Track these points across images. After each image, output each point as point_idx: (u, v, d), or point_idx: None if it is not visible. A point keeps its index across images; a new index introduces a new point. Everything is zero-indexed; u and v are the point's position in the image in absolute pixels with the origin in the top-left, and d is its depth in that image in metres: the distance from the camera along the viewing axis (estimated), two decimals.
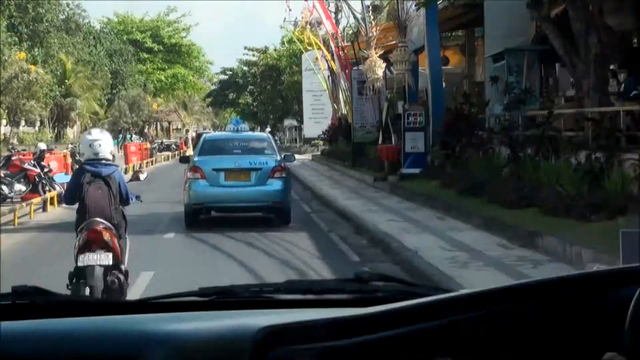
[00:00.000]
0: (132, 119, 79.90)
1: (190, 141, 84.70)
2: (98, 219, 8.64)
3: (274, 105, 72.54)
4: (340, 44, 36.18)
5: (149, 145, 54.54)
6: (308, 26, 38.47)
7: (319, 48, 42.75)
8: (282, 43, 67.69)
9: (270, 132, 61.93)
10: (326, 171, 35.37)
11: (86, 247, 8.56)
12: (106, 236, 8.60)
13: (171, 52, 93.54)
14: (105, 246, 8.57)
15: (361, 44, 30.96)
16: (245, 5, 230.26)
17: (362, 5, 27.28)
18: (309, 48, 54.33)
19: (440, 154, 21.09)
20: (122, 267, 8.83)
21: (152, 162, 51.44)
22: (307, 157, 49.96)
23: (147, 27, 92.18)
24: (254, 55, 73.90)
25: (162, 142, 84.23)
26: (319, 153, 48.11)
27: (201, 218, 17.98)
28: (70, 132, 73.90)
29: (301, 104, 67.07)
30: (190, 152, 71.19)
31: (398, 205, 19.89)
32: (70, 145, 48.53)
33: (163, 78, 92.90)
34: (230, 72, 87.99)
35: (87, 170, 8.84)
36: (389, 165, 25.82)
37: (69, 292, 8.22)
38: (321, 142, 55.77)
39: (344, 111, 40.62)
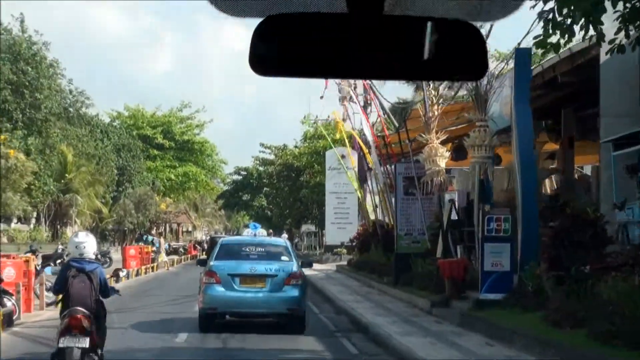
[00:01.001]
0: (137, 219, 73.74)
1: (203, 244, 79.24)
2: (79, 308, 10.07)
3: (291, 209, 66.22)
4: (380, 133, 30.14)
5: (150, 249, 48.19)
6: (344, 109, 32.35)
7: (350, 141, 36.81)
8: (304, 139, 61.47)
9: (287, 238, 55.91)
10: (359, 288, 28.83)
11: (67, 331, 10.01)
12: (85, 323, 10.02)
13: (183, 150, 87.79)
14: (84, 331, 10.00)
15: (412, 133, 24.87)
16: (263, 102, 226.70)
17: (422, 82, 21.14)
18: (333, 145, 48.69)
19: (546, 274, 14.63)
20: (99, 351, 10.35)
21: (153, 268, 45.05)
22: (329, 267, 43.45)
23: (158, 123, 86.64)
24: (270, 153, 67.89)
25: (169, 245, 78.27)
26: (344, 263, 41.64)
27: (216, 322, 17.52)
28: (70, 232, 67.52)
29: (322, 207, 60.88)
30: (201, 256, 65.53)
31: (492, 352, 13.41)
32: (60, 247, 42.51)
33: (173, 176, 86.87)
34: (245, 172, 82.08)
35: (73, 266, 10.41)
36: (451, 286, 19.42)
37: None
38: (345, 251, 49.36)
39: (380, 214, 34.42)
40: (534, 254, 16.67)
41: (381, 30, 2.75)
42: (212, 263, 17.93)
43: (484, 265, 17.21)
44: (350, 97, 31.15)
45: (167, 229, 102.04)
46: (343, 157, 49.75)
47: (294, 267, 17.73)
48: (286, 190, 65.20)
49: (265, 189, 76.91)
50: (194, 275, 37.06)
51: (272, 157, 67.62)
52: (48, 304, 22.26)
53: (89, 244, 10.60)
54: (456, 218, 22.00)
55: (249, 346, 15.31)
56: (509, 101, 17.80)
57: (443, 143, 22.42)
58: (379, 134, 31.04)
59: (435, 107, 21.05)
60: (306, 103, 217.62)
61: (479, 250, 17.42)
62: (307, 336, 16.71)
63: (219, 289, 17.21)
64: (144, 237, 67.90)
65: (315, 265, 43.89)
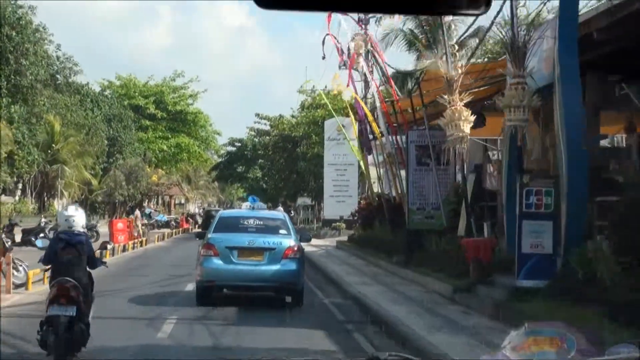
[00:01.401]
0: (128, 191, 70.88)
1: (196, 217, 76.33)
2: (67, 278, 10.54)
3: (287, 181, 63.41)
4: (389, 99, 27.29)
5: (141, 222, 45.47)
6: (352, 64, 29.47)
7: (353, 108, 33.98)
8: (301, 108, 58.25)
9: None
10: (365, 267, 26.19)
11: (55, 300, 10.41)
12: (72, 292, 10.44)
13: (176, 120, 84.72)
14: (71, 300, 10.39)
15: (426, 96, 22.15)
16: (258, 74, 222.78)
17: (443, 34, 18.27)
18: (333, 114, 46.03)
19: (610, 259, 11.94)
20: (86, 319, 10.69)
21: (142, 242, 42.30)
22: (329, 243, 40.80)
23: (150, 92, 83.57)
24: (266, 124, 64.87)
25: (164, 217, 75.68)
26: (344, 239, 38.97)
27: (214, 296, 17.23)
28: (57, 204, 64.58)
29: (320, 179, 58.12)
30: (194, 230, 63.05)
31: None
32: (43, 220, 39.82)
33: (165, 147, 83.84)
34: (239, 144, 79.21)
35: (62, 239, 10.93)
36: (477, 269, 16.80)
37: (39, 338, 10.41)
38: (344, 225, 46.67)
39: (386, 187, 31.77)
40: (581, 234, 14.04)
41: None
42: (210, 236, 17.56)
43: (522, 247, 14.53)
44: (360, 54, 28.10)
45: (160, 201, 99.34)
46: (343, 126, 47.03)
47: (292, 240, 17.43)
48: (282, 162, 62.45)
49: (260, 160, 74.20)
50: (184, 252, 34.54)
51: (267, 127, 64.75)
52: (16, 286, 19.60)
53: (77, 218, 11.10)
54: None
55: (245, 343, 12.66)
56: (551, 55, 15.07)
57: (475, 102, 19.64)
58: (386, 100, 28.25)
59: (460, 64, 18.25)
60: (302, 74, 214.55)
61: (517, 229, 14.68)
62: (314, 330, 14.11)
63: (217, 261, 16.91)
64: (142, 209, 65.46)
65: (314, 240, 41.30)
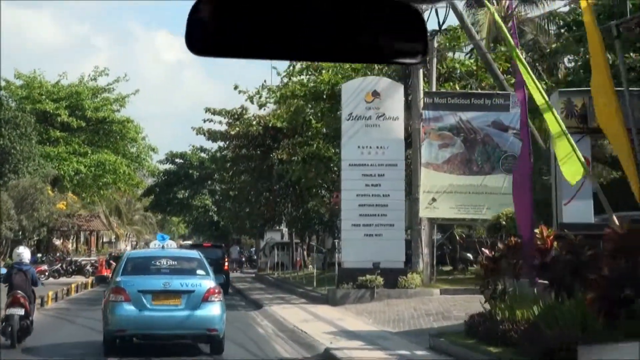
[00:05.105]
0: (20, 223, 46.24)
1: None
2: (19, 292, 15.99)
3: (254, 206, 39.28)
4: None
5: None
6: None
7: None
8: (288, 76, 32.58)
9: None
10: None
11: (11, 305, 15.79)
12: (22, 300, 15.86)
13: (97, 132, 60.16)
14: (21, 305, 15.79)
15: None
16: (205, 69, 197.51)
17: None
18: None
19: None
20: (30, 318, 16.06)
21: None
22: (372, 326, 17.09)
23: (63, 95, 58.86)
24: (222, 123, 40.26)
25: (71, 262, 51.55)
26: (421, 315, 15.13)
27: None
28: None
29: (305, 202, 34.31)
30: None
31: None
32: None
33: (83, 168, 58.66)
34: (181, 160, 54.96)
35: (15, 267, 16.60)
36: None
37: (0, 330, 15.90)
38: (381, 280, 22.90)
39: None
40: None
41: (320, 10, 2.54)
42: (118, 279, 15.08)
43: None
44: None
45: (82, 238, 74.71)
46: (378, 94, 23.67)
47: (212, 282, 15.08)
48: (244, 179, 38.56)
49: (209, 182, 50.11)
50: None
51: (223, 127, 40.24)
52: None
53: (25, 254, 16.89)
54: None
55: None
56: None
57: None
58: None
59: None
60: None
61: None
62: None
63: (129, 307, 14.43)
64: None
65: (327, 312, 17.62)
